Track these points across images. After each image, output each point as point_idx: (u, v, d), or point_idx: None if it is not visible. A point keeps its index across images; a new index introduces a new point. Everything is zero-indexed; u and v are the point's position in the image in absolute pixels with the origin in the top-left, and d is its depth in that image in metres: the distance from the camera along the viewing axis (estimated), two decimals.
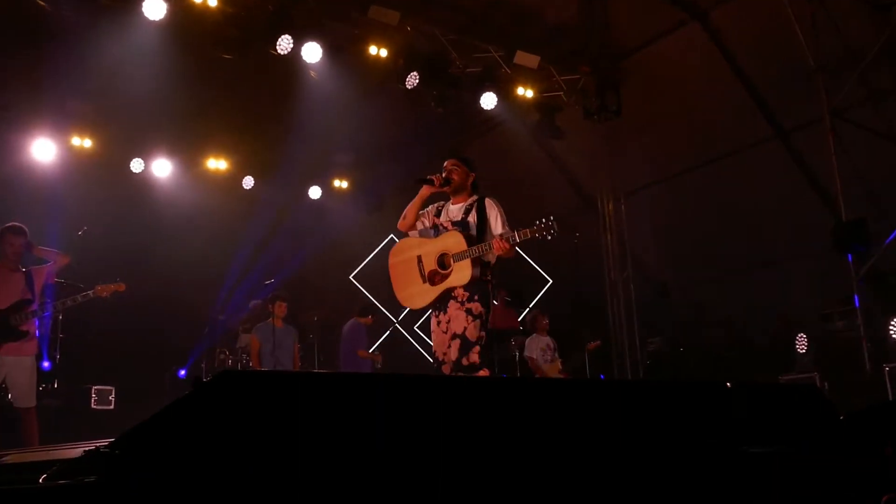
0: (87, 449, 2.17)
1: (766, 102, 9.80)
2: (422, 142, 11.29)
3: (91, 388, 8.65)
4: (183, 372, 10.00)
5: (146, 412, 2.24)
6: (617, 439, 2.96)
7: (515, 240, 4.92)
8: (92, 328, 9.17)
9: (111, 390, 8.77)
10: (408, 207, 5.35)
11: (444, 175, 5.28)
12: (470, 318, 4.99)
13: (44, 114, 9.65)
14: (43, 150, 9.78)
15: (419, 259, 5.19)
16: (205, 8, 8.07)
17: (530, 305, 12.17)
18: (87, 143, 10.18)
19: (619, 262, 10.78)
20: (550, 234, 4.88)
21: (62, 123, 9.90)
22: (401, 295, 5.29)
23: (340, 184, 12.47)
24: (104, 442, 2.21)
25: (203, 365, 9.67)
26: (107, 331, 9.45)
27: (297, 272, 11.13)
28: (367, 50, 9.02)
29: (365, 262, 12.69)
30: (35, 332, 6.34)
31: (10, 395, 6.70)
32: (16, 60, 8.60)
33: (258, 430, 2.08)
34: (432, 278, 5.11)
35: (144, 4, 7.65)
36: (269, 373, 3.77)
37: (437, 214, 5.32)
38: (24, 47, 8.49)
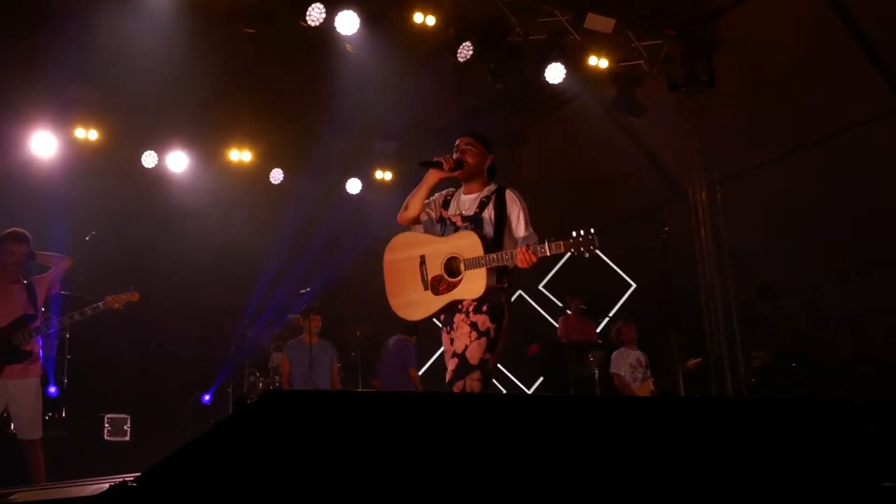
0: (112, 484, 2.22)
1: (894, 72, 9.60)
2: (477, 124, 11.28)
3: (104, 417, 8.82)
4: (207, 397, 10.15)
5: (167, 444, 2.28)
6: (721, 472, 2.92)
7: (545, 253, 4.73)
8: (103, 348, 9.37)
9: (126, 419, 8.93)
10: (410, 196, 5.10)
11: (455, 156, 5.04)
12: (474, 334, 4.75)
13: (43, 102, 9.85)
14: (43, 144, 9.99)
15: (422, 260, 4.94)
16: None
17: (610, 314, 12.10)
18: (93, 134, 10.38)
19: (715, 261, 10.64)
20: (589, 251, 4.76)
21: (64, 113, 10.10)
22: (395, 301, 5.03)
23: (383, 175, 12.53)
24: (128, 476, 2.26)
25: (230, 389, 9.81)
26: (119, 350, 9.65)
27: (336, 279, 11.22)
28: (412, 18, 9.05)
29: None
30: (39, 353, 6.49)
31: (12, 426, 6.89)
32: (10, 41, 8.82)
33: (307, 454, 2.11)
34: (436, 286, 4.88)
35: None
36: (318, 393, 3.81)
37: (445, 205, 5.11)
38: (19, 26, 8.70)
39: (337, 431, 2.18)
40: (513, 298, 13.38)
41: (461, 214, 4.98)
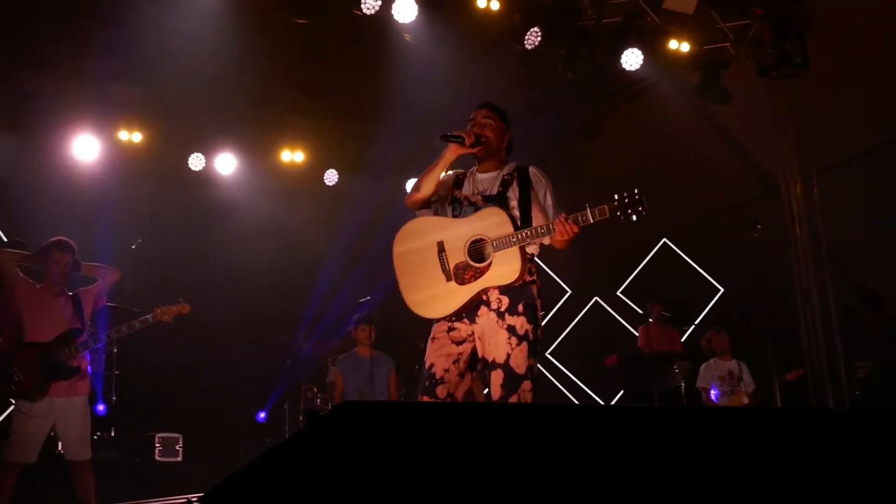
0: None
1: None
2: (547, 116, 11.29)
3: (155, 437, 9.02)
4: (262, 415, 10.30)
5: (220, 464, 2.35)
6: (820, 491, 2.92)
7: (588, 221, 4.53)
8: (152, 362, 9.56)
9: (178, 438, 9.12)
10: (424, 175, 4.81)
11: (475, 131, 4.82)
12: (514, 339, 4.50)
13: (85, 104, 10.11)
14: (85, 148, 10.27)
15: (440, 247, 4.63)
16: None
17: (696, 322, 12.00)
18: (137, 136, 10.62)
19: (812, 262, 10.50)
20: (637, 213, 4.63)
21: (107, 115, 10.34)
22: (413, 298, 4.66)
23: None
24: (192, 497, 2.34)
25: (285, 406, 9.93)
26: (169, 365, 9.83)
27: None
28: (475, 3, 9.09)
29: None
30: (87, 368, 6.66)
31: (60, 446, 7.08)
32: (51, 40, 9.07)
33: (383, 468, 2.15)
34: (461, 274, 4.56)
35: None
36: (396, 404, 3.84)
37: (458, 185, 4.85)
38: (60, 25, 8.94)
39: (413, 444, 2.22)
40: (588, 306, 13.42)
41: (482, 194, 4.73)
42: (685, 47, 10.01)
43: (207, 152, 11.10)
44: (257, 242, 10.63)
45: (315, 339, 10.52)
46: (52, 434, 6.58)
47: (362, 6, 8.59)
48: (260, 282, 10.54)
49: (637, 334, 11.34)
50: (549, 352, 12.66)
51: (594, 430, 2.62)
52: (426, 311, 4.64)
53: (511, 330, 4.51)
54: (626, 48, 9.65)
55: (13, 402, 6.63)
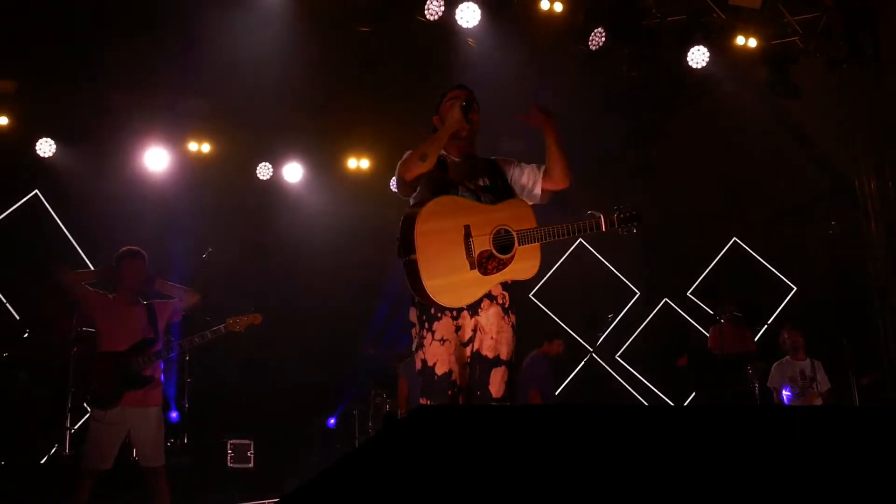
0: None
1: None
2: (613, 117, 11.20)
3: (227, 443, 9.11)
4: (332, 421, 10.36)
5: (291, 470, 2.34)
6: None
7: (601, 228, 4.59)
8: (223, 370, 9.69)
9: (249, 444, 9.19)
10: (429, 143, 4.54)
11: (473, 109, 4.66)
12: (513, 336, 4.50)
13: (156, 115, 10.30)
14: (155, 159, 10.47)
15: (467, 231, 4.40)
16: None
17: (768, 321, 11.80)
18: (206, 147, 10.80)
19: (890, 260, 10.24)
20: (630, 229, 4.63)
21: (176, 126, 10.54)
22: (434, 283, 4.29)
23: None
24: (265, 503, 2.33)
25: (355, 412, 9.98)
26: (240, 372, 9.95)
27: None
28: (538, 5, 9.08)
29: (548, 276, 12.72)
30: (160, 378, 6.75)
31: (134, 453, 7.19)
32: (121, 55, 9.23)
33: (462, 473, 2.13)
34: (484, 263, 4.39)
35: None
36: (472, 408, 3.79)
37: (443, 168, 4.67)
38: (129, 40, 9.09)
39: (493, 448, 2.20)
40: (658, 307, 13.27)
41: (475, 183, 4.60)
42: (752, 43, 9.85)
43: (275, 161, 11.23)
44: (325, 250, 10.71)
45: (383, 346, 10.55)
46: (128, 441, 6.66)
47: (426, 12, 8.62)
48: (328, 288, 10.61)
49: (708, 335, 11.19)
50: (618, 354, 12.55)
51: (669, 431, 2.56)
52: (447, 298, 4.35)
53: (513, 327, 4.49)
54: (691, 46, 9.54)
55: (89, 409, 6.75)
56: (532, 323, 11.70)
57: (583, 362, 12.65)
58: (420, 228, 4.33)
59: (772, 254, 12.28)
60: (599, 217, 4.59)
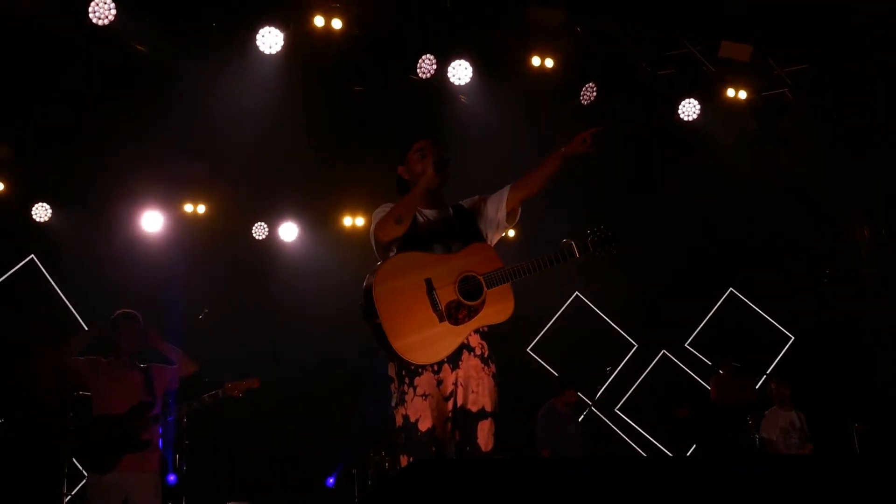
0: None
1: None
2: (605, 169, 11.24)
3: None
4: (331, 480, 10.25)
5: None
6: None
7: (575, 254, 4.44)
8: (221, 431, 9.59)
9: None
10: (404, 204, 4.45)
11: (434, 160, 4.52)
12: (495, 385, 4.40)
13: (151, 178, 10.31)
14: (151, 221, 10.45)
15: (429, 285, 4.30)
16: (328, 33, 8.45)
17: (767, 372, 11.76)
18: (201, 208, 10.79)
19: (884, 308, 10.24)
20: (608, 251, 4.49)
21: (172, 188, 10.55)
22: (402, 343, 4.19)
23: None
24: None
25: (354, 471, 9.88)
26: (238, 433, 9.85)
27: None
28: (529, 62, 9.15)
29: (545, 329, 12.68)
30: (158, 442, 6.69)
31: None
32: (115, 118, 9.27)
33: None
34: (454, 314, 4.29)
35: (258, 37, 8.12)
36: (466, 462, 3.73)
37: (413, 221, 4.53)
38: (124, 103, 9.15)
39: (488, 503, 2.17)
40: (656, 359, 13.21)
41: (448, 233, 4.51)
42: (742, 95, 9.93)
43: (270, 221, 11.22)
44: (321, 307, 10.67)
45: (381, 403, 10.47)
46: None
47: (418, 71, 8.68)
48: (325, 347, 10.56)
49: (707, 387, 11.14)
50: (617, 407, 12.47)
51: (672, 482, 2.53)
52: (420, 355, 4.23)
53: (494, 377, 4.39)
54: (682, 99, 9.61)
55: (85, 474, 6.67)
56: (531, 377, 11.63)
57: (582, 415, 12.56)
58: (378, 290, 4.24)
59: (768, 304, 12.25)
60: (571, 243, 4.47)
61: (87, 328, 9.29)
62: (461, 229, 4.56)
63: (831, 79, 9.89)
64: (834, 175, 10.64)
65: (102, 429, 6.39)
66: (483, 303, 4.31)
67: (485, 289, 4.33)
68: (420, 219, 4.58)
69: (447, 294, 4.29)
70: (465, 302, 4.29)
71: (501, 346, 4.57)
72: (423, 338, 4.22)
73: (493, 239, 4.68)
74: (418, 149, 4.68)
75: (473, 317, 4.30)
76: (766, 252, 11.65)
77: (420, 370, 4.30)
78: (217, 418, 9.15)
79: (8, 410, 8.36)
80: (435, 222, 4.58)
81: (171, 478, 8.89)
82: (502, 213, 4.62)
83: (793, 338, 12.41)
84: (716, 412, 10.55)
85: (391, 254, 4.53)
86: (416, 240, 4.47)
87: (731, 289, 12.67)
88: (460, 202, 4.73)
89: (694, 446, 11.63)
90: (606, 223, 4.58)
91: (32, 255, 10.53)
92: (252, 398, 7.31)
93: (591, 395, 12.47)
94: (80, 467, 7.19)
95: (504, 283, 4.35)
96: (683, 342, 12.73)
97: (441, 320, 4.26)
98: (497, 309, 4.33)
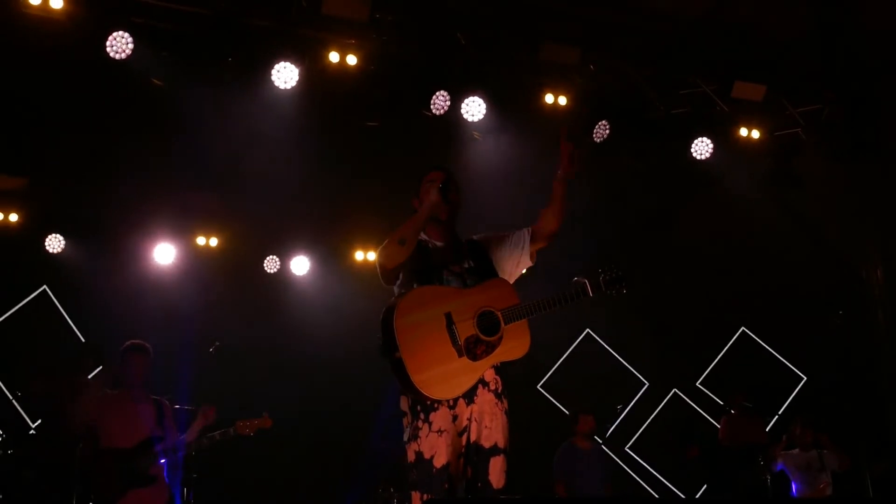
0: None
1: None
2: (617, 207, 11.23)
3: None
4: None
5: None
6: None
7: (588, 293, 4.49)
8: (230, 465, 9.54)
9: None
10: (408, 227, 4.44)
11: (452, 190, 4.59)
12: (508, 421, 4.37)
13: (164, 209, 10.34)
14: (163, 253, 10.47)
15: (448, 319, 4.27)
16: (343, 69, 8.48)
17: (779, 412, 11.66)
18: (213, 241, 10.82)
19: None
20: (618, 290, 4.52)
21: (185, 220, 10.58)
22: (422, 377, 4.15)
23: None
24: None
25: None
26: (247, 467, 9.79)
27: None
28: (542, 99, 9.16)
29: (556, 366, 12.61)
30: (165, 477, 6.64)
31: None
32: (129, 150, 9.32)
33: None
34: (472, 349, 4.26)
35: (274, 72, 8.15)
36: (480, 500, 3.69)
37: (425, 253, 4.59)
38: (137, 135, 9.20)
39: None
40: (667, 398, 13.14)
41: (464, 267, 4.52)
42: (756, 134, 9.91)
43: (282, 254, 11.23)
44: (332, 342, 10.64)
45: (391, 439, 10.41)
46: None
47: (431, 107, 8.69)
48: (336, 381, 10.52)
49: (718, 426, 11.04)
50: (628, 446, 12.37)
51: None
52: (439, 391, 4.19)
53: (507, 413, 4.37)
54: (695, 138, 9.59)
55: None
56: (541, 415, 11.56)
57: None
58: (399, 324, 4.19)
59: (780, 344, 12.17)
60: (584, 282, 4.50)
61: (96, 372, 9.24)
62: (476, 264, 4.56)
63: (845, 120, 9.88)
64: (847, 216, 10.62)
65: (110, 462, 6.36)
66: (501, 338, 4.30)
67: (502, 324, 4.31)
68: (434, 252, 4.58)
69: (466, 329, 4.27)
70: (484, 337, 4.28)
71: (512, 382, 4.54)
72: (442, 372, 4.19)
73: (509, 276, 4.68)
74: (429, 179, 4.68)
75: (491, 352, 4.28)
76: (778, 292, 11.58)
77: (436, 405, 4.27)
78: (226, 451, 9.10)
79: (18, 440, 8.36)
80: (449, 255, 4.57)
81: None
82: (526, 254, 4.66)
83: (805, 378, 12.32)
84: (726, 452, 10.45)
85: (398, 283, 4.54)
86: (431, 273, 4.47)
87: (743, 328, 12.59)
88: (473, 237, 4.74)
89: (705, 486, 11.51)
90: (616, 263, 4.60)
91: (45, 286, 10.55)
92: (261, 431, 7.28)
93: (601, 434, 12.37)
94: (87, 501, 7.16)
95: (521, 318, 4.34)
96: (695, 381, 12.64)
97: (460, 355, 4.23)
98: (514, 345, 4.32)
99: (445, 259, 4.54)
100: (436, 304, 4.30)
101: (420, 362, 4.17)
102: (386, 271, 4.50)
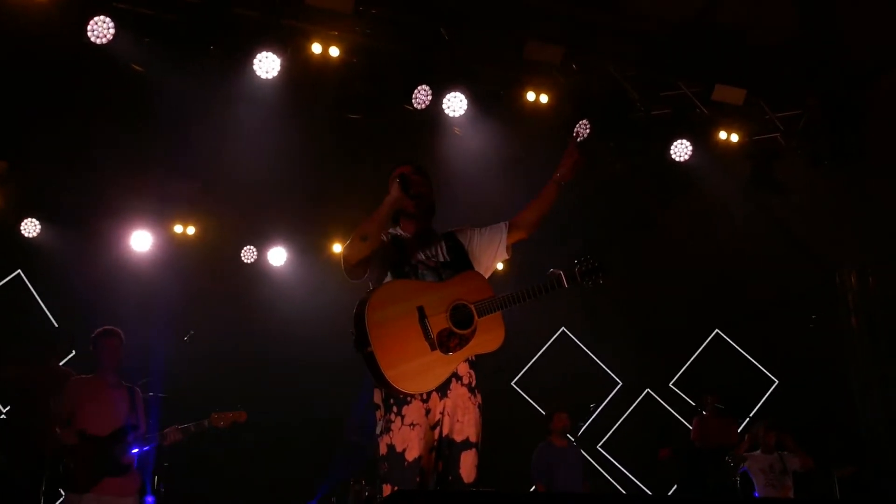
0: None
1: None
2: (595, 210, 11.25)
3: None
4: None
5: None
6: None
7: (564, 285, 4.44)
8: (201, 454, 9.52)
9: None
10: (368, 222, 4.47)
11: (416, 184, 4.58)
12: (480, 416, 4.36)
13: (142, 196, 10.29)
14: (140, 240, 10.43)
15: (421, 313, 4.27)
16: (325, 60, 8.44)
17: (751, 414, 11.74)
18: (191, 230, 10.77)
19: (870, 355, 10.25)
20: (595, 281, 4.49)
21: (163, 208, 10.54)
22: (395, 372, 4.13)
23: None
24: None
25: (333, 500, 9.81)
26: (218, 459, 9.78)
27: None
28: (524, 96, 9.15)
29: (530, 364, 12.64)
30: (134, 464, 6.61)
31: None
32: (109, 137, 9.26)
33: None
34: (445, 342, 4.25)
35: (255, 61, 8.12)
36: (452, 494, 3.66)
37: (399, 247, 4.57)
38: (117, 122, 9.15)
39: None
40: (640, 398, 13.18)
41: (434, 259, 4.52)
42: (735, 138, 9.92)
43: (259, 245, 11.20)
44: (307, 334, 10.63)
45: (367, 433, 10.41)
46: None
47: (413, 101, 8.67)
48: (312, 374, 10.51)
49: (690, 427, 11.11)
50: (599, 444, 12.42)
51: None
52: (411, 385, 4.18)
53: (480, 408, 4.35)
54: (675, 139, 9.62)
55: (62, 493, 6.60)
56: (515, 411, 11.59)
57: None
58: (371, 318, 4.19)
59: (753, 346, 12.25)
60: (559, 273, 4.47)
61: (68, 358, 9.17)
62: (452, 257, 4.55)
63: (825, 126, 9.92)
64: (824, 221, 10.67)
65: (85, 449, 6.33)
66: (474, 332, 4.29)
67: (476, 317, 4.30)
68: (409, 245, 4.57)
69: (439, 322, 4.25)
70: (457, 331, 4.26)
71: (486, 378, 4.54)
72: (415, 367, 4.17)
73: (486, 270, 4.66)
74: (396, 174, 4.65)
75: (465, 345, 4.26)
76: (753, 295, 11.65)
77: (409, 399, 4.23)
78: (198, 440, 9.09)
79: None
80: (423, 249, 4.56)
81: (150, 500, 8.80)
82: (503, 247, 4.63)
83: (777, 381, 12.41)
84: (697, 453, 10.52)
85: (372, 277, 4.54)
86: (405, 266, 4.45)
87: (717, 330, 12.67)
88: (451, 230, 4.73)
89: (675, 486, 11.58)
90: (594, 254, 4.58)
91: (19, 270, 10.49)
92: (236, 424, 7.27)
93: (573, 432, 12.40)
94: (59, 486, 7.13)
95: (495, 311, 4.33)
96: (668, 382, 12.72)
97: (433, 349, 4.22)
98: (488, 338, 4.31)
99: (420, 252, 4.53)
100: (408, 298, 4.29)
101: (392, 357, 4.16)
102: (349, 266, 4.52)
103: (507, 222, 4.69)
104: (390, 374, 4.13)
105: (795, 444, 9.42)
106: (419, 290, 4.35)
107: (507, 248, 4.66)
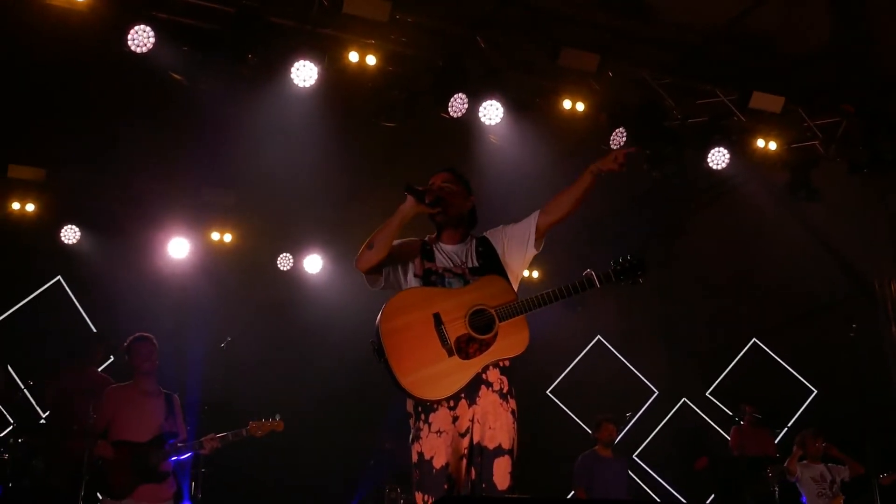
0: None
1: None
2: (630, 217, 11.22)
3: None
4: None
5: None
6: None
7: (595, 284, 4.36)
8: (238, 462, 9.57)
9: None
10: (380, 232, 4.51)
11: (434, 191, 4.56)
12: (514, 422, 4.30)
13: (180, 206, 10.39)
14: (178, 248, 10.53)
15: (437, 319, 4.26)
16: (362, 69, 8.48)
17: (789, 424, 11.62)
18: (228, 237, 10.85)
19: None
20: (636, 279, 4.44)
21: (200, 216, 10.63)
22: (410, 379, 4.16)
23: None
24: None
25: None
26: (255, 465, 9.81)
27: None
28: (560, 105, 9.13)
29: (566, 372, 12.60)
30: (173, 471, 6.67)
31: None
32: (147, 144, 9.36)
33: None
34: (463, 348, 4.22)
35: (293, 70, 8.16)
36: (482, 499, 3.65)
37: (427, 256, 4.53)
38: (155, 129, 9.24)
39: None
40: (676, 407, 13.10)
41: (467, 267, 4.47)
42: (773, 146, 9.86)
43: (295, 252, 11.28)
44: (343, 341, 10.62)
45: (402, 439, 10.40)
46: None
47: (449, 109, 8.68)
48: (345, 381, 10.53)
49: (727, 437, 11.02)
50: (636, 454, 12.36)
51: None
52: (429, 391, 4.17)
53: (513, 414, 4.31)
54: (712, 147, 9.55)
55: (100, 497, 6.66)
56: (551, 419, 11.56)
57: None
58: (384, 328, 4.24)
59: (792, 356, 12.14)
60: (591, 273, 4.41)
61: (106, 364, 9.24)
62: (481, 262, 4.53)
63: (864, 133, 9.83)
64: (863, 229, 10.57)
65: (122, 456, 6.38)
66: (496, 336, 4.25)
67: (497, 322, 4.25)
68: (438, 254, 4.56)
69: (457, 328, 4.24)
70: (477, 336, 4.23)
71: (522, 386, 4.52)
72: (431, 373, 4.17)
73: (519, 266, 4.64)
74: (429, 183, 4.66)
75: (485, 350, 4.22)
76: (791, 304, 11.56)
77: (435, 406, 4.24)
78: (235, 448, 9.14)
79: (28, 429, 8.40)
80: (451, 256, 4.55)
81: None
82: (532, 238, 4.58)
83: (815, 391, 12.29)
84: (735, 463, 10.43)
85: (379, 285, 4.61)
86: (433, 276, 4.45)
87: (754, 339, 12.57)
88: (484, 233, 4.71)
89: (712, 496, 11.49)
90: (634, 253, 4.53)
91: (59, 277, 10.62)
92: (273, 433, 7.33)
93: None
94: (96, 492, 7.20)
95: (517, 315, 4.28)
96: (705, 391, 12.63)
97: (450, 355, 4.20)
98: (511, 342, 4.26)
99: (448, 260, 4.53)
100: (423, 306, 4.29)
101: (406, 365, 4.18)
102: (363, 273, 4.61)
103: (537, 213, 4.64)
104: (406, 382, 4.17)
105: (840, 453, 9.35)
106: (436, 296, 4.34)
107: (540, 237, 4.60)
